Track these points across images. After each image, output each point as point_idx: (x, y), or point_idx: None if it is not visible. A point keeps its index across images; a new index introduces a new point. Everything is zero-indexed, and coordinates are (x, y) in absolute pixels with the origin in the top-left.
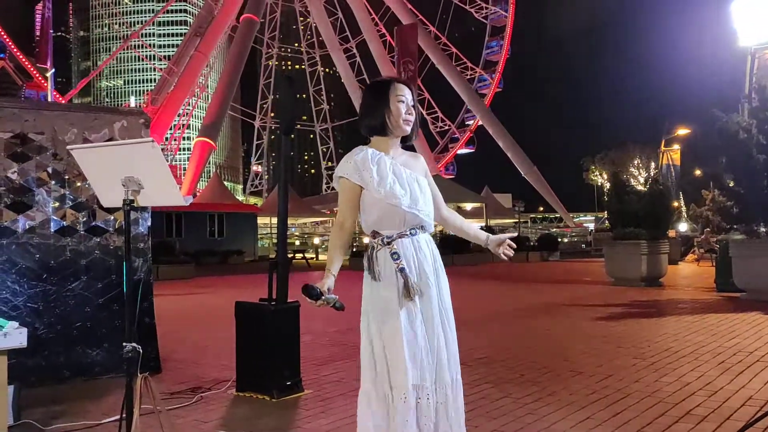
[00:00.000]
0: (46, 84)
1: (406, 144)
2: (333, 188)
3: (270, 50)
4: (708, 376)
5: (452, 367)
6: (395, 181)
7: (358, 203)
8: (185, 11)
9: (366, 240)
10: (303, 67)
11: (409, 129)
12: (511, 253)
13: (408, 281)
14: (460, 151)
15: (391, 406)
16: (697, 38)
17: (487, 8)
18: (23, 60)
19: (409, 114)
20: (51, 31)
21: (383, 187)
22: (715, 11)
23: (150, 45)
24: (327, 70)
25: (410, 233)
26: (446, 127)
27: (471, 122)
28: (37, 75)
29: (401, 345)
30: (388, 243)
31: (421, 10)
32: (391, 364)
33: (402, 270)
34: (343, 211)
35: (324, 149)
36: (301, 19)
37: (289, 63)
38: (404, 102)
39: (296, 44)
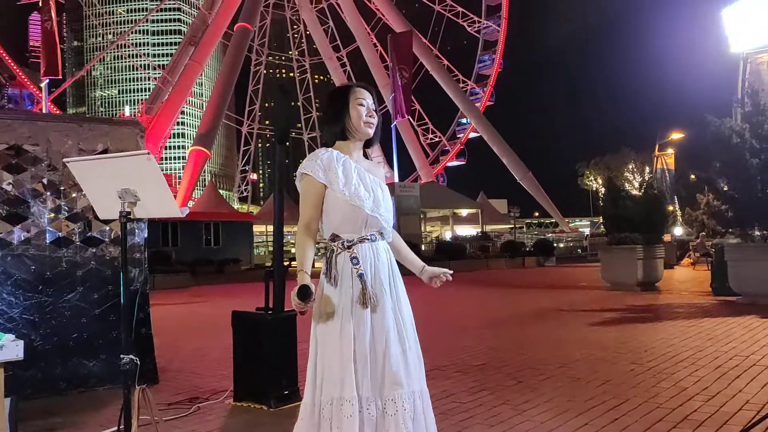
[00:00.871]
0: (30, 84)
1: (369, 148)
2: None
3: (260, 57)
4: (705, 380)
5: (415, 377)
6: (360, 184)
7: (321, 203)
8: (179, 20)
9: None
10: (292, 75)
11: (371, 131)
12: (443, 281)
13: (365, 288)
14: (451, 163)
15: (328, 416)
16: (691, 44)
17: (479, 22)
18: (7, 59)
19: (369, 116)
20: (60, 44)
21: (348, 188)
22: (707, 18)
23: (144, 54)
24: (317, 77)
25: (370, 238)
26: (437, 139)
27: (462, 135)
28: (21, 74)
29: (346, 353)
30: (349, 247)
31: (413, 23)
32: (330, 373)
33: (361, 276)
34: (308, 211)
35: None
36: (295, 27)
37: (283, 71)
38: (364, 105)
39: (288, 52)
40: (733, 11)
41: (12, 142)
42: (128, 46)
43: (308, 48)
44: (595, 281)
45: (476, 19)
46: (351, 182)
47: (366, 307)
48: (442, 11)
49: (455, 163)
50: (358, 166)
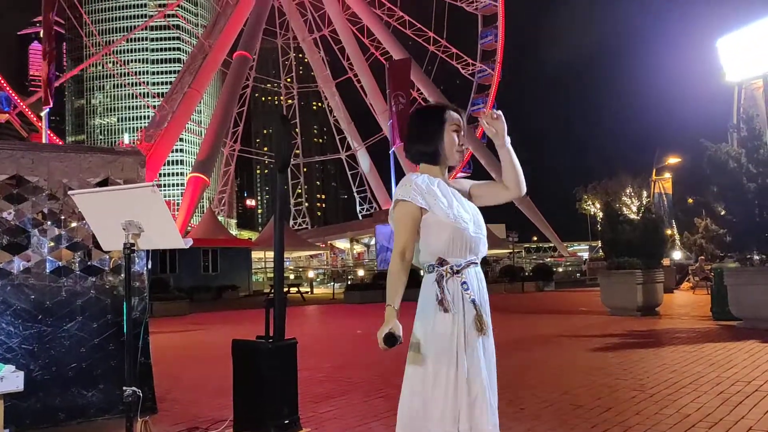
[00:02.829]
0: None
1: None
2: (300, 224)
3: (246, 80)
4: (708, 407)
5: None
6: (460, 206)
7: (416, 229)
8: (179, 49)
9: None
10: (279, 101)
11: (461, 159)
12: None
13: (480, 313)
14: None
15: None
16: (686, 70)
17: (473, 65)
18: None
19: (462, 144)
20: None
21: (452, 210)
22: (702, 46)
23: (144, 82)
24: (315, 104)
25: (474, 263)
26: None
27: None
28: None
29: (461, 385)
30: (457, 272)
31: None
32: (437, 405)
33: (473, 301)
34: (404, 239)
35: (293, 185)
36: (294, 54)
37: (278, 98)
38: (459, 132)
39: (279, 78)
40: (727, 41)
41: (13, 172)
42: (129, 74)
43: (296, 75)
44: (595, 306)
45: (470, 61)
46: (453, 204)
47: (482, 333)
48: (436, 51)
49: None
50: (452, 188)
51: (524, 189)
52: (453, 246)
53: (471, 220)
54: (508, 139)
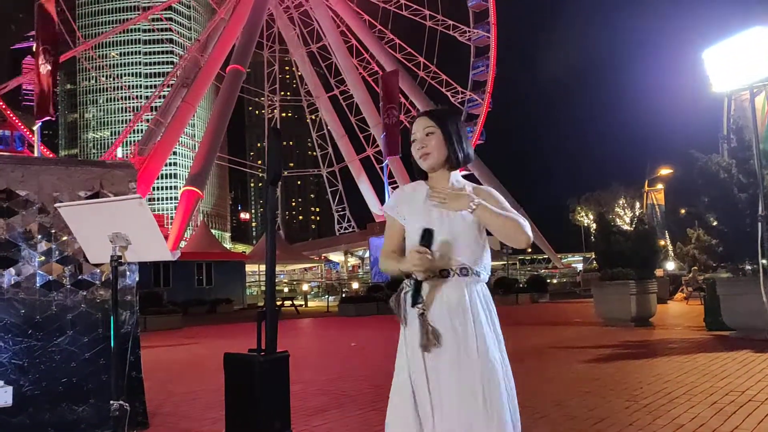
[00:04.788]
0: (22, 126)
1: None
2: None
3: None
4: (701, 417)
5: None
6: (427, 216)
7: (399, 237)
8: (172, 63)
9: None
10: (271, 113)
11: (427, 162)
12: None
13: (428, 328)
14: None
15: None
16: (677, 82)
17: (463, 93)
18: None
19: (419, 149)
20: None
21: (414, 221)
22: (692, 57)
23: (137, 96)
24: (311, 117)
25: (441, 275)
26: None
27: None
28: (11, 115)
29: (405, 398)
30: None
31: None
32: (390, 420)
33: (422, 315)
34: (386, 243)
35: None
36: (280, 67)
37: (267, 109)
38: (416, 140)
39: (268, 89)
40: (713, 53)
41: (3, 185)
42: (123, 88)
43: (285, 88)
44: (588, 317)
45: (460, 89)
46: (417, 216)
47: (428, 349)
48: (426, 77)
49: None
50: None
51: (522, 243)
52: None
53: (440, 232)
54: (474, 205)
